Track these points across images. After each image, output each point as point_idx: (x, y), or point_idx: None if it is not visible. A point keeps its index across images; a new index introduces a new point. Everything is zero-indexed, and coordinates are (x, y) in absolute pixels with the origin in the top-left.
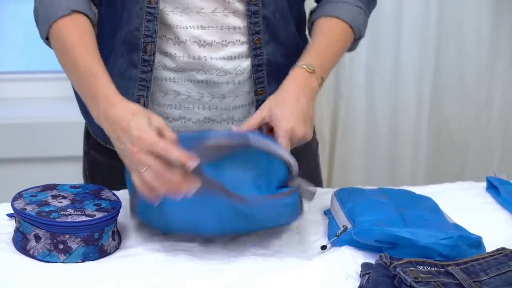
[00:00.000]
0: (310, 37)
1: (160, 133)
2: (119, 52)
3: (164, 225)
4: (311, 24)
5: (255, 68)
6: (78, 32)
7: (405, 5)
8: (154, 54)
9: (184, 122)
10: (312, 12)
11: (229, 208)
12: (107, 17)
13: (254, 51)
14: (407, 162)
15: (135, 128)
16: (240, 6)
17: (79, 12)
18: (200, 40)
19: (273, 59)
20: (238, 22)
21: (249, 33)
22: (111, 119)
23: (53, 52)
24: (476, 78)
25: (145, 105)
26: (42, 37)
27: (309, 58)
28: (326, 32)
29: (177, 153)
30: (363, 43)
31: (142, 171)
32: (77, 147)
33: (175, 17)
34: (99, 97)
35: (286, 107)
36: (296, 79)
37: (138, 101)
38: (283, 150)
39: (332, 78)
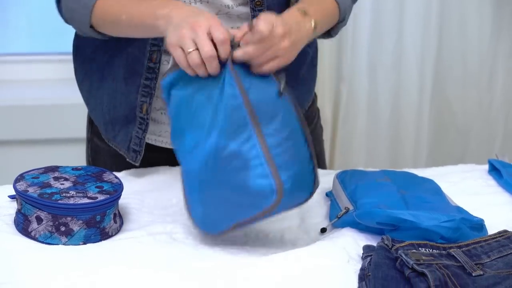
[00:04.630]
0: None
1: None
2: (125, 55)
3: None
4: None
5: None
6: None
7: None
8: (159, 62)
9: None
10: None
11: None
12: None
13: (253, 12)
14: (409, 144)
15: (206, 16)
16: (243, 9)
17: None
18: None
19: None
20: (243, 24)
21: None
22: (183, 12)
23: (103, 32)
24: (478, 61)
25: (147, 112)
26: (84, 29)
27: (301, 4)
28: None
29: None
30: (365, 25)
31: (187, 52)
32: (79, 130)
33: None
34: (163, 5)
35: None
36: (290, 16)
37: (140, 107)
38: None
39: (334, 61)
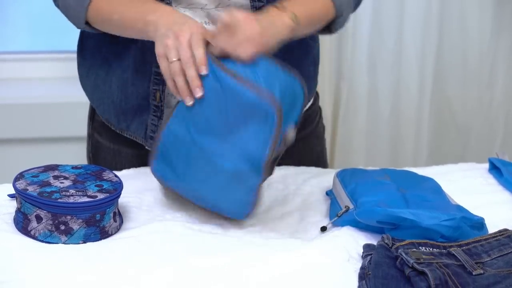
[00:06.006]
0: None
1: None
2: (133, 45)
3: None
4: None
5: None
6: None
7: None
8: None
9: None
10: None
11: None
12: None
13: None
14: (409, 143)
15: (189, 25)
16: (244, 1)
17: None
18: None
19: (278, 53)
20: None
21: None
22: (169, 19)
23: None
24: (479, 59)
25: (160, 100)
26: (79, 25)
27: (282, 2)
28: None
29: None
30: (365, 23)
31: (170, 62)
32: (79, 128)
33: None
34: (151, 10)
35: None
36: (265, 13)
37: (154, 95)
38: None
39: (334, 59)
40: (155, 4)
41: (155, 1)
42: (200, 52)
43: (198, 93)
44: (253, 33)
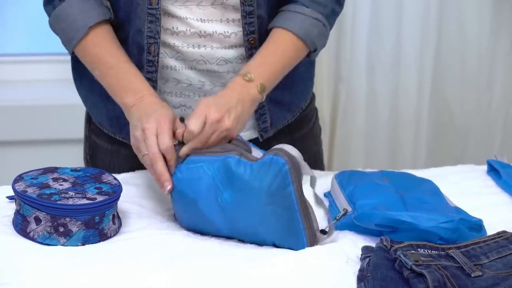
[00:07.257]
0: None
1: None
2: (131, 53)
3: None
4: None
5: None
6: (101, 46)
7: None
8: (158, 54)
9: (184, 110)
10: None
11: None
12: (120, 19)
13: (250, 51)
14: (408, 145)
15: (156, 118)
16: (237, 0)
17: (96, 24)
18: (200, 31)
19: None
20: (238, 15)
21: (244, 33)
22: (141, 109)
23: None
24: (477, 61)
25: None
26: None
27: (249, 66)
28: (275, 42)
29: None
30: (364, 25)
31: (142, 155)
32: (78, 130)
33: (174, 9)
34: (130, 90)
35: (212, 98)
36: (233, 87)
37: None
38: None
39: (332, 61)
40: (135, 80)
41: (136, 72)
42: (164, 143)
43: (167, 187)
44: (227, 130)
